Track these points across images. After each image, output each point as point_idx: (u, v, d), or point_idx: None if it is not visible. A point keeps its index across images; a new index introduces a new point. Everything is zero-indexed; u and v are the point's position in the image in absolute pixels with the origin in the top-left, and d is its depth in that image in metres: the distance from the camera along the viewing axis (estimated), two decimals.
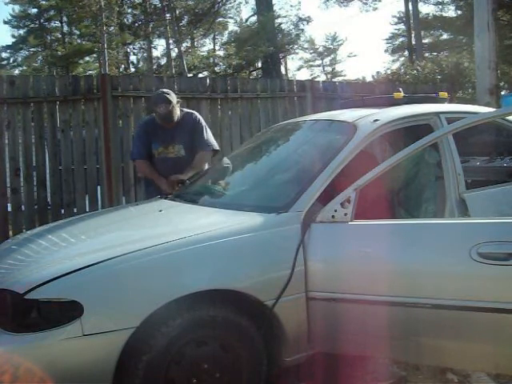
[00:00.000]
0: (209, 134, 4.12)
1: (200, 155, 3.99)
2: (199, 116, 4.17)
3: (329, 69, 40.14)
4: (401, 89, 3.72)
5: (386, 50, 32.07)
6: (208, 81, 6.63)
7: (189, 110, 4.23)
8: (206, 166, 4.03)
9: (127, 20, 24.44)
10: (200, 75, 23.66)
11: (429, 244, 2.38)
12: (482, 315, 2.22)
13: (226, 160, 3.76)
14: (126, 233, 2.88)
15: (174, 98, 3.97)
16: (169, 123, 3.96)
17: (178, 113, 3.99)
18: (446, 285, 2.29)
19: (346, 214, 2.52)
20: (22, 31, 30.59)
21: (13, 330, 2.15)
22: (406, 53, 28.17)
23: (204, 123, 4.15)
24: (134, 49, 28.93)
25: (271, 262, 2.48)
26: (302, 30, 24.54)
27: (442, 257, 2.33)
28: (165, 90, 4.05)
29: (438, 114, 3.21)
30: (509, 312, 2.17)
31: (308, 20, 24.04)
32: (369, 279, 2.42)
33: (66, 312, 2.12)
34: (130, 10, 24.02)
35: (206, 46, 31.15)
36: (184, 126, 4.02)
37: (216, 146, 4.13)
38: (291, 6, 41.01)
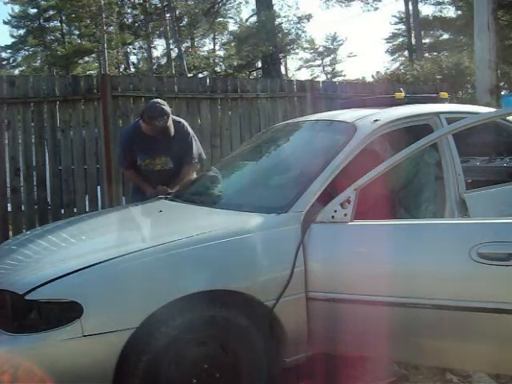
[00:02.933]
0: (197, 144, 4.07)
1: (186, 170, 3.95)
2: (186, 125, 4.08)
3: (329, 69, 40.18)
4: (402, 89, 3.71)
5: (386, 50, 32.10)
6: (208, 81, 6.64)
7: (175, 118, 4.06)
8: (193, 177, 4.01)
9: (127, 20, 24.44)
10: (200, 75, 23.66)
11: (428, 244, 2.37)
12: (481, 315, 2.22)
13: (214, 169, 3.74)
14: (126, 233, 2.88)
15: (168, 108, 3.86)
16: (164, 136, 3.83)
17: (172, 125, 3.86)
18: (446, 285, 2.29)
19: (345, 215, 2.51)
20: (21, 31, 30.60)
21: (13, 330, 2.15)
22: (406, 53, 28.17)
23: (191, 133, 4.06)
24: (133, 49, 28.96)
25: (271, 263, 2.47)
26: (302, 29, 24.55)
27: (441, 257, 2.33)
28: (159, 101, 3.88)
29: (437, 114, 3.21)
30: (509, 312, 2.17)
31: (308, 18, 24.04)
32: (369, 280, 2.42)
33: (66, 313, 2.12)
34: (129, 10, 24.03)
35: (206, 46, 31.14)
36: (173, 136, 3.88)
37: (202, 155, 4.14)
38: (289, 6, 41.20)
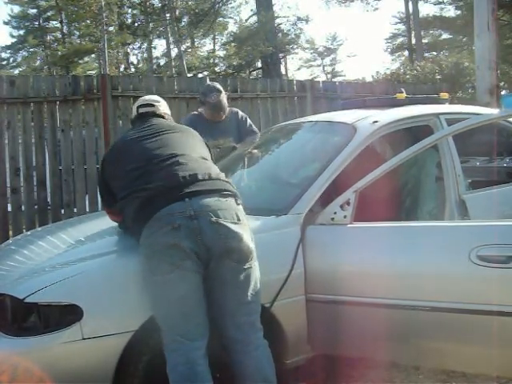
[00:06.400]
0: (253, 124, 4.26)
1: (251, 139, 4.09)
2: (240, 111, 4.29)
3: (329, 69, 40.12)
4: (403, 89, 3.71)
5: (386, 50, 32.06)
6: (208, 81, 6.62)
7: (230, 108, 4.28)
8: None
9: (127, 20, 24.42)
10: (200, 75, 23.63)
11: (428, 246, 2.37)
12: (481, 318, 2.22)
13: None
14: (127, 236, 2.86)
15: (220, 87, 4.07)
16: (219, 113, 3.97)
17: (227, 105, 4.05)
18: (446, 287, 2.28)
19: (345, 217, 2.51)
20: (21, 31, 30.55)
21: (13, 333, 2.14)
22: (406, 53, 28.16)
23: (246, 116, 4.26)
24: (133, 49, 28.92)
25: (271, 265, 2.46)
26: (302, 29, 24.51)
27: (441, 259, 2.33)
28: (212, 82, 4.21)
29: (437, 115, 3.21)
30: (509, 315, 2.17)
31: (307, 19, 24.00)
32: (368, 282, 2.41)
33: (66, 316, 2.12)
34: (129, 10, 24.00)
35: (206, 46, 31.12)
36: (229, 122, 4.08)
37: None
38: (288, 7, 41.33)
